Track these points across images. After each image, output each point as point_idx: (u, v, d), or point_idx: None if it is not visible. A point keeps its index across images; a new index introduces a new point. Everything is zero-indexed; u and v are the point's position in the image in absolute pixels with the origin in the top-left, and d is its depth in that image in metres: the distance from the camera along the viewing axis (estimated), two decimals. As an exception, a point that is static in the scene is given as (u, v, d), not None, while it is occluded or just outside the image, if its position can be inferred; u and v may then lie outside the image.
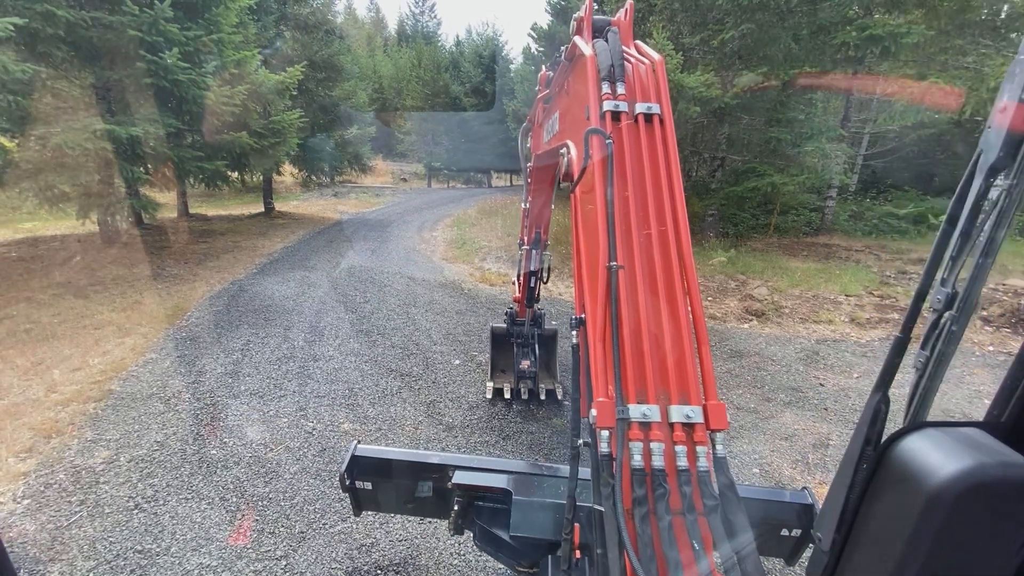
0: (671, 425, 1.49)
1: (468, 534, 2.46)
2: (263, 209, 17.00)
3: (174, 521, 3.58)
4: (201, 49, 9.96)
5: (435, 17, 54.15)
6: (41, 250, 10.59)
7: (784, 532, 2.30)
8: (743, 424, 5.18)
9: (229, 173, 12.47)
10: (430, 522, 3.61)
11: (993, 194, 0.71)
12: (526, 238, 4.88)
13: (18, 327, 6.74)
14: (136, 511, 3.66)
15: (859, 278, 10.51)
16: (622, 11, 2.21)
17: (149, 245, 11.29)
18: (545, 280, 4.92)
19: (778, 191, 13.16)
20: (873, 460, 0.71)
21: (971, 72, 12.09)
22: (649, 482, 1.41)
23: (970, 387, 6.12)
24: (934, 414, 0.78)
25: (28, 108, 8.02)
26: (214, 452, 4.35)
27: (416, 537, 3.52)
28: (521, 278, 5.16)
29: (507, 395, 5.30)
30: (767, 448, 4.78)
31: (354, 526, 3.57)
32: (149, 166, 10.11)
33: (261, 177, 16.34)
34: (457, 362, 6.29)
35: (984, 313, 8.49)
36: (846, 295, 9.53)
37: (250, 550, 3.36)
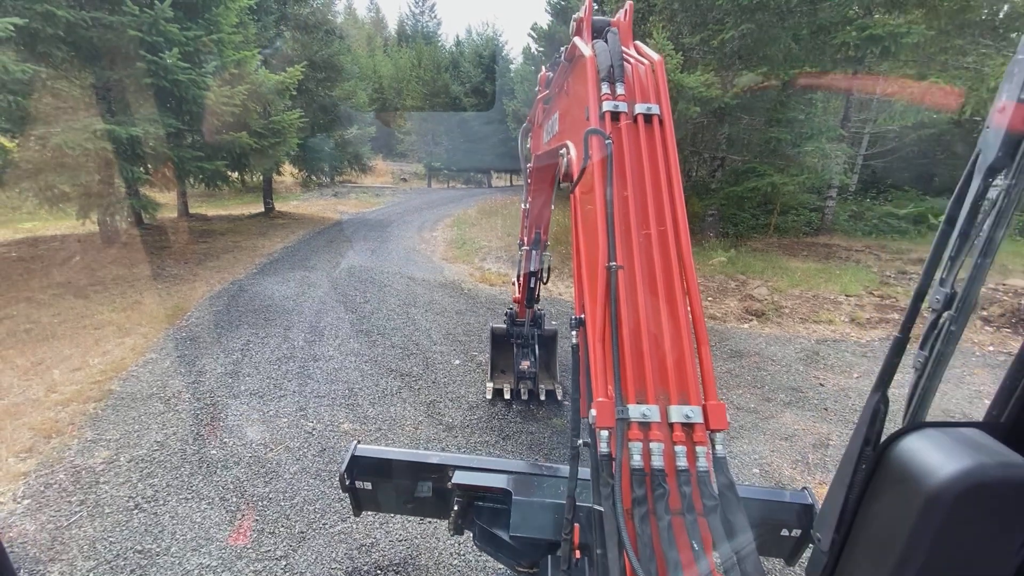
0: (671, 425, 1.49)
1: (468, 534, 2.46)
2: (263, 209, 17.00)
3: (174, 521, 3.58)
4: (201, 49, 9.96)
5: (435, 17, 54.21)
6: (41, 250, 10.59)
7: (784, 532, 2.30)
8: (743, 424, 5.18)
9: (229, 173, 12.48)
10: (430, 522, 3.61)
11: (992, 194, 0.71)
12: (526, 239, 4.88)
13: (18, 327, 6.74)
14: (136, 511, 3.66)
15: (859, 278, 10.50)
16: (622, 12, 2.21)
17: (149, 245, 11.30)
18: (545, 281, 4.92)
19: (778, 191, 13.16)
20: (872, 460, 0.71)
21: (971, 72, 12.09)
22: (648, 482, 1.41)
23: (970, 387, 6.12)
24: (934, 414, 0.78)
25: (28, 108, 8.02)
26: (214, 452, 4.35)
27: (416, 537, 3.52)
28: (521, 279, 5.16)
29: (507, 396, 5.30)
30: (767, 448, 4.78)
31: (354, 526, 3.57)
32: (149, 166, 10.11)
33: (261, 177, 16.34)
34: (457, 362, 6.29)
35: (984, 313, 8.49)
36: (846, 295, 9.53)
37: (250, 550, 3.36)
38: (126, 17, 8.57)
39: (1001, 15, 13.07)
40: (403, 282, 9.57)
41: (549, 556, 2.03)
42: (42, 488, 3.87)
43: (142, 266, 9.67)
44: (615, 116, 1.84)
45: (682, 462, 1.44)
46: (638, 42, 2.16)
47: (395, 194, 25.43)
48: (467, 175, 34.05)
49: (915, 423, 0.71)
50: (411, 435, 4.77)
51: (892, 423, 0.74)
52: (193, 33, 9.54)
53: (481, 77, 31.83)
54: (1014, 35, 12.59)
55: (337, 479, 2.60)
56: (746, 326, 8.10)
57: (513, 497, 2.15)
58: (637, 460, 1.42)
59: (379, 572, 3.24)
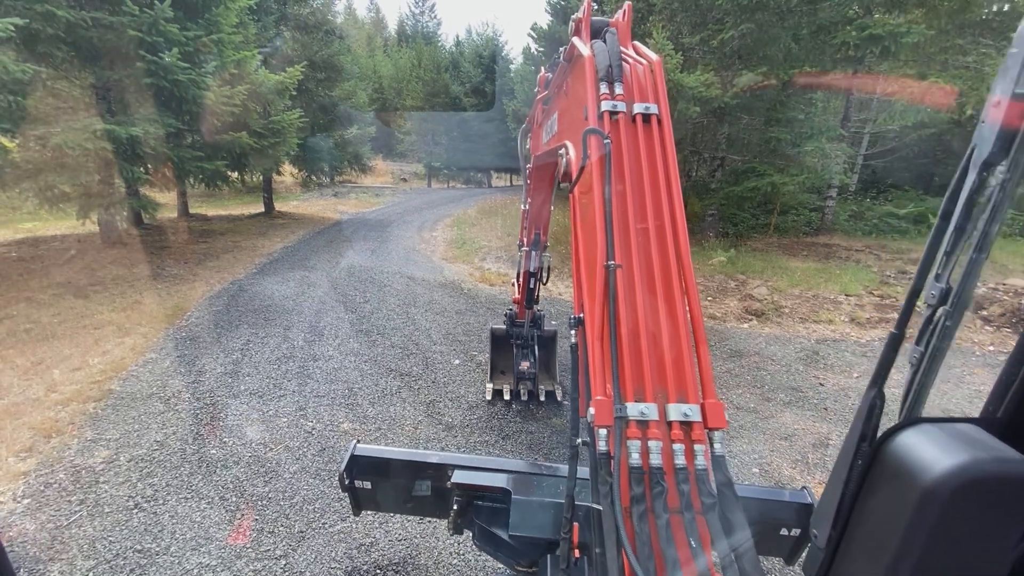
0: (669, 424, 1.50)
1: (467, 534, 2.46)
2: (263, 209, 17.01)
3: (174, 520, 3.58)
4: (201, 49, 9.97)
5: (435, 17, 54.27)
6: (41, 250, 10.60)
7: (783, 532, 2.30)
8: (743, 424, 5.18)
9: (229, 173, 12.48)
10: (429, 522, 3.62)
11: (987, 189, 0.71)
12: (525, 239, 4.89)
13: (18, 327, 6.75)
14: (136, 510, 3.66)
15: (859, 278, 10.50)
16: (620, 12, 2.22)
17: (149, 245, 11.30)
18: (544, 281, 4.93)
19: (778, 191, 13.15)
20: (868, 456, 0.71)
21: (971, 72, 12.08)
22: (647, 480, 1.41)
23: (970, 387, 6.12)
24: (933, 414, 0.78)
25: (28, 108, 8.02)
26: (214, 452, 4.36)
27: (415, 537, 3.52)
28: (520, 279, 5.16)
29: (507, 396, 5.30)
30: (767, 448, 4.78)
31: (353, 526, 3.58)
32: (149, 166, 10.12)
33: (261, 177, 16.34)
34: (457, 362, 6.29)
35: (984, 313, 8.49)
36: (846, 295, 9.53)
37: (249, 549, 3.36)
38: (126, 17, 8.58)
39: (996, 12, 13.06)
40: (403, 282, 9.58)
41: (548, 555, 2.03)
42: (42, 487, 3.87)
43: (142, 266, 9.67)
44: (614, 116, 1.85)
45: (680, 460, 1.44)
46: (637, 42, 2.16)
47: (395, 194, 25.44)
48: (467, 175, 34.08)
49: (911, 419, 0.71)
50: (411, 435, 4.77)
51: (889, 420, 0.74)
52: (193, 33, 9.55)
53: (481, 77, 31.85)
54: (1014, 34, 12.56)
55: (336, 479, 2.61)
56: (746, 326, 8.10)
57: (512, 496, 2.15)
58: (635, 458, 1.42)
59: (378, 572, 3.24)
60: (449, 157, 31.24)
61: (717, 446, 1.48)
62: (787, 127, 12.52)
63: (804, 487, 2.43)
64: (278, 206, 17.77)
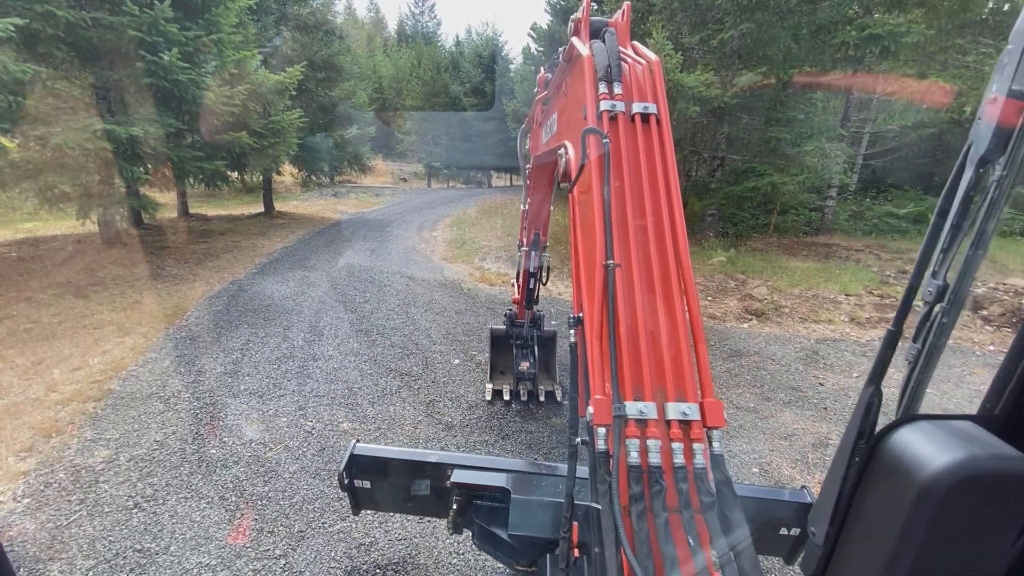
0: (668, 422, 1.50)
1: (467, 533, 2.46)
2: (263, 209, 17.01)
3: (173, 520, 3.58)
4: (201, 49, 9.96)
5: (435, 17, 54.23)
6: (41, 250, 10.60)
7: (783, 531, 2.30)
8: (742, 423, 5.18)
9: (229, 173, 12.48)
10: (429, 521, 3.62)
11: (983, 186, 0.72)
12: (525, 239, 4.89)
13: (18, 327, 6.75)
14: (135, 510, 3.67)
15: (859, 277, 10.50)
16: (619, 12, 2.22)
17: (149, 245, 11.30)
18: (544, 281, 4.93)
19: (778, 191, 13.15)
20: (866, 453, 0.72)
21: (971, 71, 12.09)
22: (646, 479, 1.41)
23: (970, 386, 6.12)
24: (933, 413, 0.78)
25: (28, 108, 8.02)
26: (213, 451, 4.36)
27: (415, 536, 3.52)
28: (520, 279, 5.16)
29: (506, 397, 5.30)
30: (766, 448, 4.78)
31: (353, 525, 3.58)
32: (149, 166, 10.11)
33: (261, 177, 16.34)
34: (456, 361, 6.29)
35: (984, 312, 8.49)
36: (846, 294, 9.53)
37: (249, 549, 3.36)
38: (126, 17, 8.58)
39: (996, 11, 13.06)
40: (403, 282, 9.58)
41: (548, 555, 2.03)
42: (42, 487, 3.87)
43: (142, 266, 9.68)
44: (612, 115, 1.85)
45: (679, 459, 1.44)
46: (635, 42, 2.16)
47: (395, 194, 25.44)
48: (467, 175, 34.07)
49: (908, 415, 0.71)
50: (410, 434, 4.77)
51: (887, 417, 0.74)
52: (193, 33, 9.54)
53: (481, 77, 31.84)
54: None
55: (336, 478, 2.61)
56: (746, 325, 8.10)
57: (512, 496, 2.15)
58: (634, 457, 1.42)
59: (378, 571, 3.24)
60: (449, 157, 31.23)
61: (716, 445, 1.48)
62: (787, 127, 12.52)
63: (804, 486, 2.43)
64: (278, 206, 17.77)
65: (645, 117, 1.87)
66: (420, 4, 53.17)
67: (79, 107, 8.82)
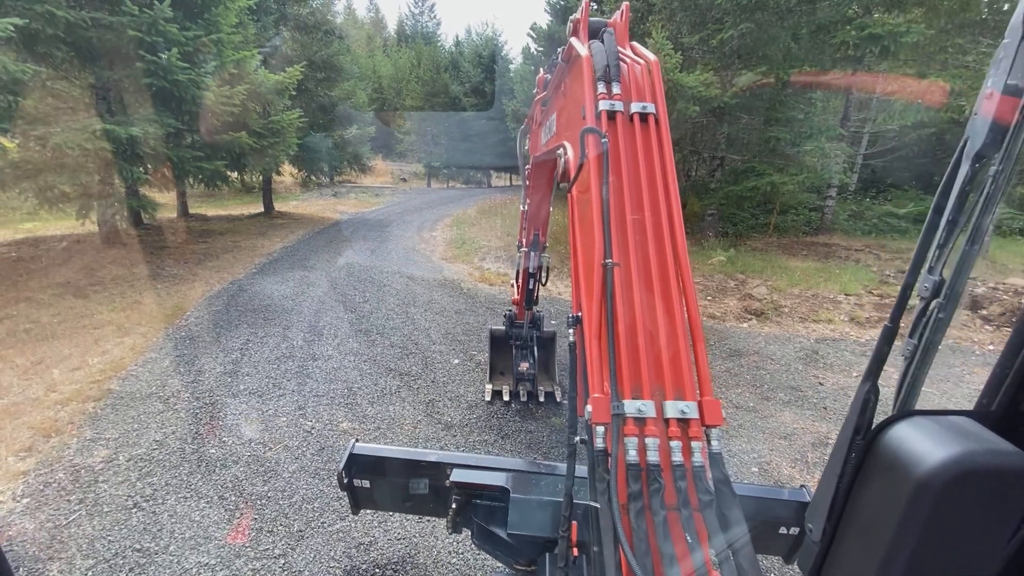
0: (666, 421, 1.50)
1: (466, 532, 2.46)
2: (262, 209, 17.00)
3: (173, 520, 3.58)
4: (200, 49, 9.96)
5: (434, 17, 54.22)
6: (41, 250, 10.60)
7: (782, 530, 2.30)
8: (742, 423, 5.18)
9: (228, 173, 12.47)
10: (428, 521, 3.62)
11: (979, 181, 0.72)
12: (524, 240, 4.89)
13: (18, 327, 6.75)
14: (135, 510, 3.66)
15: (859, 277, 10.51)
16: (618, 13, 2.22)
17: (148, 245, 11.30)
18: (544, 282, 4.93)
19: (778, 190, 13.16)
20: (862, 449, 0.72)
21: (971, 71, 12.09)
22: (644, 477, 1.41)
23: (970, 386, 6.12)
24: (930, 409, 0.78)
25: (28, 108, 8.02)
26: (213, 451, 4.36)
27: (414, 536, 3.52)
28: (520, 280, 5.16)
29: (506, 397, 5.30)
30: (766, 447, 4.78)
31: (352, 525, 3.58)
32: (148, 166, 10.11)
33: (260, 177, 16.34)
34: (456, 361, 6.29)
35: (984, 312, 8.49)
36: (846, 294, 9.54)
37: (248, 549, 3.36)
38: (125, 17, 8.58)
39: (996, 11, 13.06)
40: (402, 281, 9.58)
41: (547, 554, 2.04)
42: (41, 487, 3.87)
43: (141, 266, 9.68)
44: (611, 115, 1.85)
45: (677, 457, 1.44)
46: (634, 43, 2.17)
47: (394, 194, 25.44)
48: (467, 175, 34.06)
49: (905, 411, 0.71)
50: (410, 434, 4.77)
51: (884, 413, 0.74)
52: (192, 33, 9.54)
53: (480, 77, 31.84)
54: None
55: (335, 478, 2.61)
56: (745, 325, 8.11)
57: (511, 495, 2.15)
58: (633, 455, 1.42)
59: (377, 571, 3.24)
60: (449, 157, 31.23)
61: (714, 443, 1.48)
62: (787, 127, 12.52)
63: (803, 486, 2.43)
64: (277, 206, 17.77)
65: (644, 117, 1.87)
66: (420, 4, 53.19)
67: (79, 107, 8.82)
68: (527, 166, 4.34)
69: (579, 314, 1.72)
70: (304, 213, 17.81)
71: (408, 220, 16.89)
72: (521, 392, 5.30)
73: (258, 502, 3.78)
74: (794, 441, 4.89)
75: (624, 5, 2.26)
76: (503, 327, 5.49)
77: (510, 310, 5.50)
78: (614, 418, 1.44)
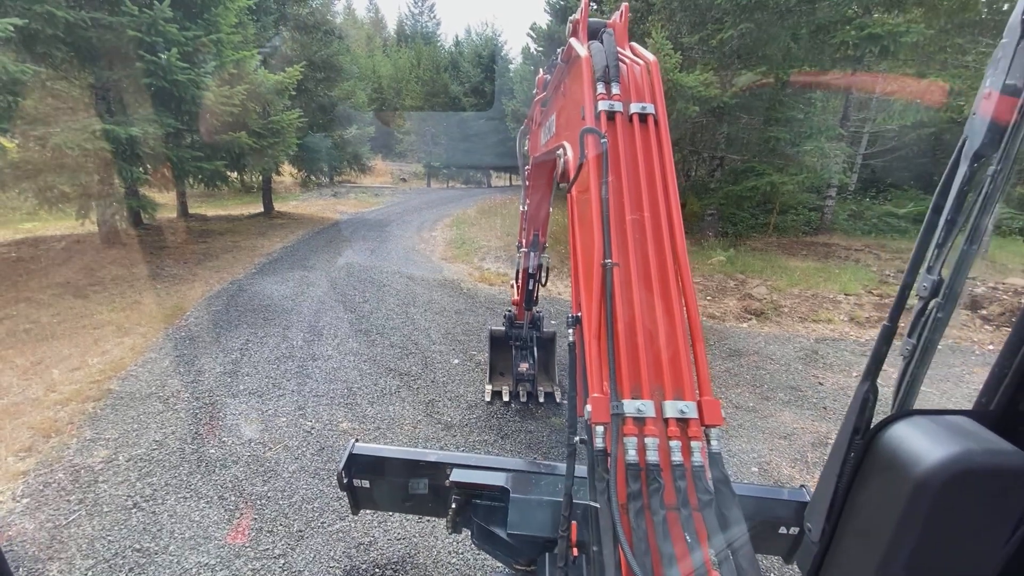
0: (665, 420, 1.50)
1: (466, 532, 2.46)
2: (262, 209, 17.00)
3: (172, 520, 3.58)
4: (200, 49, 9.96)
5: (434, 17, 54.16)
6: (40, 250, 10.59)
7: (782, 530, 2.31)
8: (741, 423, 5.18)
9: (228, 173, 12.47)
10: (428, 520, 3.62)
11: (978, 181, 0.72)
12: (524, 240, 4.89)
13: (18, 327, 6.74)
14: (135, 510, 3.66)
15: (858, 277, 10.51)
16: (617, 13, 2.23)
17: (148, 245, 11.30)
18: (544, 282, 4.93)
19: (777, 190, 13.17)
20: (861, 448, 0.72)
21: (970, 71, 12.10)
22: (644, 477, 1.41)
23: (970, 385, 6.12)
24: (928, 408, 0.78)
25: (28, 108, 8.02)
26: (213, 451, 4.36)
27: (414, 535, 3.52)
28: (519, 280, 5.16)
29: (506, 398, 5.30)
30: (766, 447, 4.78)
31: (352, 525, 3.58)
32: (148, 166, 10.10)
33: (260, 177, 16.34)
34: (456, 361, 6.29)
35: (984, 312, 8.50)
36: (845, 294, 9.54)
37: (248, 549, 3.36)
38: (125, 17, 8.57)
39: (995, 11, 13.07)
40: (402, 281, 9.58)
41: (547, 553, 2.04)
42: (41, 487, 3.87)
43: (141, 266, 9.67)
44: (611, 116, 1.85)
45: (677, 457, 1.44)
46: (634, 43, 2.17)
47: (394, 194, 25.43)
48: (466, 175, 34.05)
49: (903, 411, 0.71)
50: (410, 434, 4.77)
51: (883, 412, 0.74)
52: (192, 33, 9.54)
53: (480, 77, 31.83)
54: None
55: (335, 477, 2.61)
56: (745, 325, 8.11)
57: (511, 495, 2.15)
58: (632, 455, 1.42)
59: (377, 571, 3.24)
60: (448, 157, 31.21)
61: (714, 443, 1.48)
62: (786, 126, 12.53)
63: (802, 485, 2.44)
64: (277, 206, 17.77)
65: (643, 117, 1.87)
66: (419, 4, 53.17)
67: (78, 107, 8.82)
68: (527, 166, 4.34)
69: (579, 314, 1.72)
70: (304, 213, 17.80)
71: (408, 220, 16.89)
72: (521, 393, 5.29)
73: (258, 502, 3.78)
74: (794, 441, 4.89)
75: (623, 6, 2.26)
76: (503, 327, 5.49)
77: (510, 310, 5.50)
78: (613, 418, 1.44)
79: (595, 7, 14.15)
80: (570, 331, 1.72)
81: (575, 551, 1.79)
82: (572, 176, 1.94)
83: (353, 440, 2.64)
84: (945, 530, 0.62)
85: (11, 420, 4.69)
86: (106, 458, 4.22)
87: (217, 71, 10.32)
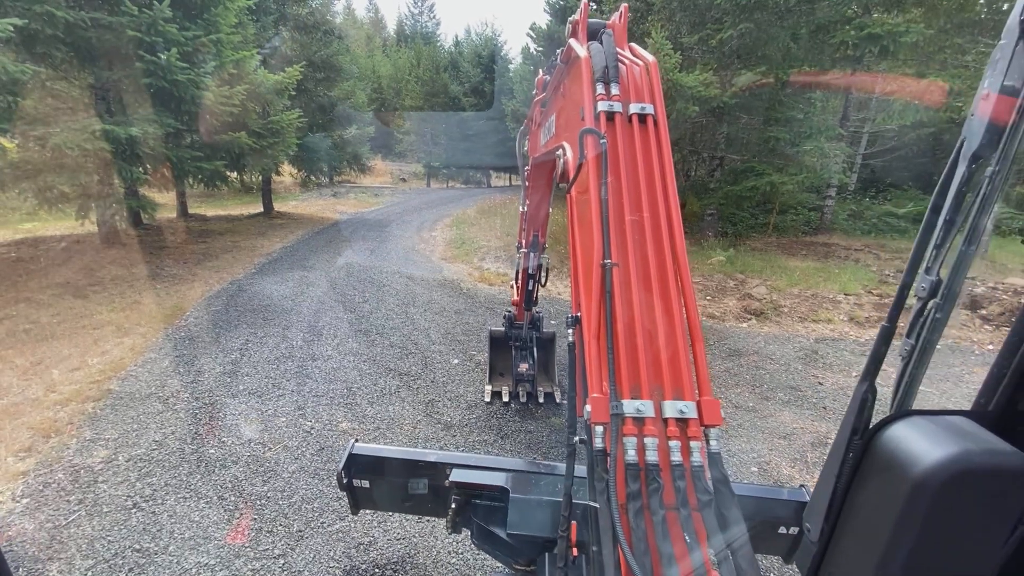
0: (665, 421, 1.50)
1: (465, 532, 2.47)
2: (262, 209, 16.99)
3: (172, 520, 3.58)
4: (200, 49, 9.96)
5: (434, 17, 54.16)
6: (40, 250, 10.59)
7: (782, 530, 2.31)
8: (741, 423, 5.18)
9: (228, 173, 12.47)
10: (428, 521, 3.62)
11: (976, 182, 0.72)
12: (524, 241, 4.89)
13: (17, 327, 6.74)
14: (134, 510, 3.66)
15: (858, 277, 10.51)
16: (616, 14, 2.23)
17: (148, 245, 11.29)
18: (543, 283, 4.93)
19: (777, 190, 13.17)
20: (860, 449, 0.72)
21: (970, 71, 12.11)
22: (643, 477, 1.41)
23: (969, 385, 6.13)
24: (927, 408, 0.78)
25: (27, 109, 8.01)
26: (212, 451, 4.36)
27: (414, 536, 3.52)
28: (519, 281, 5.17)
29: (505, 398, 5.30)
30: (765, 447, 4.78)
31: (352, 525, 3.58)
32: (148, 166, 10.10)
33: (260, 177, 16.33)
34: (456, 361, 6.29)
35: (983, 311, 8.50)
36: (845, 294, 9.54)
37: (248, 549, 3.36)
38: (125, 17, 8.57)
39: (995, 11, 13.08)
40: (402, 281, 9.58)
41: (546, 553, 2.04)
42: (41, 487, 3.87)
43: (141, 266, 9.67)
44: (610, 116, 1.86)
45: (676, 457, 1.44)
46: (633, 44, 2.17)
47: (394, 194, 25.43)
48: (466, 175, 34.05)
49: (902, 411, 0.71)
50: (410, 434, 4.77)
51: (882, 413, 0.74)
52: (192, 33, 9.54)
53: (480, 77, 31.83)
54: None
55: (335, 478, 2.61)
56: (745, 325, 8.11)
57: (510, 495, 2.15)
58: (631, 455, 1.42)
59: (377, 571, 3.24)
60: (448, 157, 31.21)
61: (713, 443, 1.48)
62: (786, 126, 12.53)
63: (802, 485, 2.44)
64: (277, 206, 17.76)
65: (642, 118, 1.88)
66: (419, 4, 53.16)
67: (78, 107, 8.81)
68: (526, 167, 4.34)
69: (578, 314, 1.72)
70: (303, 213, 17.80)
71: (407, 220, 16.89)
72: (520, 393, 5.29)
73: (257, 502, 3.78)
74: (793, 441, 4.90)
75: (623, 7, 2.27)
76: (503, 328, 5.49)
77: (509, 311, 5.50)
78: (613, 418, 1.44)
79: (594, 7, 14.15)
80: (570, 331, 1.72)
81: (575, 551, 1.79)
82: (571, 177, 1.94)
83: (353, 440, 2.64)
84: (943, 530, 0.62)
85: (11, 420, 4.69)
86: (106, 458, 4.22)
87: (217, 71, 10.32)
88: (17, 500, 3.74)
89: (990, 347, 7.38)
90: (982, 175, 0.71)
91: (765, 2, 10.32)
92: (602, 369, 1.53)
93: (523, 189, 4.65)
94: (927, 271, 0.76)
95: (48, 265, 9.52)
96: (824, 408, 5.54)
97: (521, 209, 4.77)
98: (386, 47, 48.14)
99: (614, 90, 1.89)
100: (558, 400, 5.30)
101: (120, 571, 3.16)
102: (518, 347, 5.30)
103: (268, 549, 3.36)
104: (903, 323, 0.82)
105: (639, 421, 1.48)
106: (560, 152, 2.18)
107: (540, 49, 20.72)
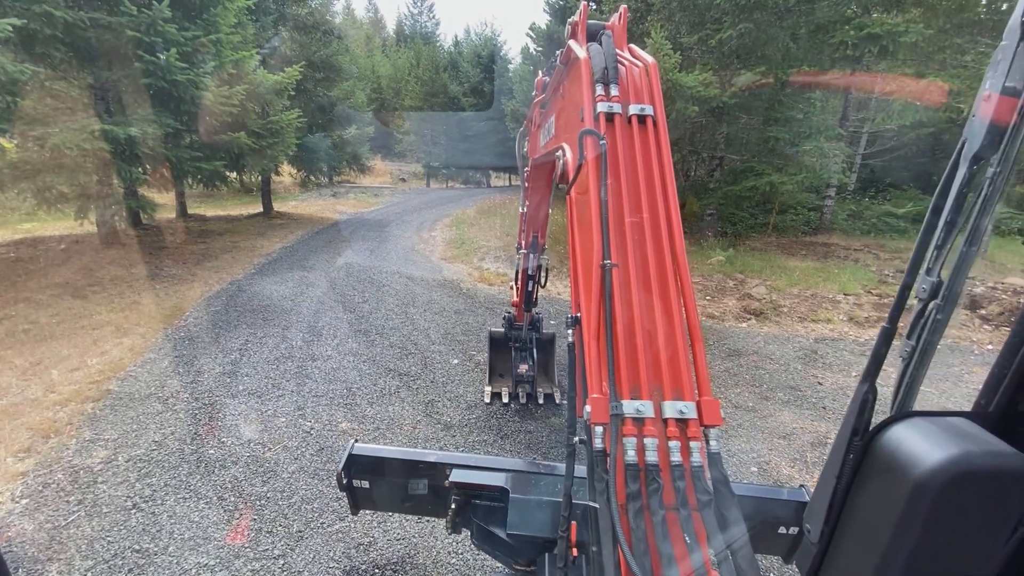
0: (665, 421, 1.50)
1: (465, 533, 2.46)
2: (261, 209, 16.99)
3: (172, 520, 3.58)
4: (199, 49, 9.95)
5: (433, 17, 54.18)
6: (39, 251, 10.58)
7: (781, 530, 2.31)
8: (741, 423, 5.18)
9: (227, 173, 12.45)
10: (427, 521, 3.62)
11: (977, 182, 0.72)
12: (523, 242, 4.89)
13: (17, 327, 6.74)
14: (134, 510, 3.66)
15: (858, 277, 10.52)
16: (616, 15, 2.23)
17: (147, 245, 11.28)
18: (543, 284, 4.93)
19: (776, 190, 13.17)
20: (860, 450, 0.72)
21: (970, 71, 12.11)
22: (643, 477, 1.41)
23: (969, 385, 6.13)
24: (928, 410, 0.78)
25: (26, 109, 8.01)
26: (212, 452, 4.35)
27: (414, 536, 3.52)
28: (519, 282, 5.17)
29: (505, 399, 5.30)
30: (765, 447, 4.78)
31: (352, 525, 3.58)
32: (147, 166, 10.09)
33: (259, 177, 16.32)
34: (455, 361, 6.29)
35: (983, 311, 8.51)
36: (845, 294, 9.55)
37: (248, 549, 3.36)
38: (124, 17, 8.57)
39: (994, 11, 13.09)
40: (402, 282, 9.57)
41: (546, 554, 2.04)
42: (40, 488, 3.87)
43: (140, 266, 9.66)
44: (609, 117, 1.86)
45: (676, 457, 1.45)
46: (632, 45, 2.18)
47: (394, 194, 25.43)
48: (466, 175, 34.06)
49: (902, 412, 0.71)
50: (409, 434, 4.77)
51: (883, 414, 0.74)
52: (191, 33, 9.54)
53: (480, 77, 31.82)
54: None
55: (335, 478, 2.61)
56: (744, 325, 8.11)
57: (510, 495, 2.15)
58: (631, 456, 1.42)
59: (377, 571, 3.24)
60: (448, 157, 31.21)
61: (713, 443, 1.48)
62: (785, 126, 12.53)
63: (802, 485, 2.44)
64: (276, 206, 17.76)
65: (642, 119, 1.88)
66: (419, 4, 53.17)
67: (77, 107, 8.81)
68: (526, 168, 4.34)
69: (578, 315, 1.72)
70: (303, 213, 17.79)
71: (407, 220, 16.89)
72: (520, 394, 5.29)
73: (257, 503, 3.78)
74: (793, 441, 4.90)
75: (622, 8, 2.27)
76: (502, 329, 5.49)
77: (509, 312, 5.50)
78: (613, 418, 1.44)
79: (594, 7, 14.16)
80: (569, 332, 1.72)
81: (575, 551, 1.79)
82: (571, 177, 1.94)
83: (352, 440, 2.64)
84: (944, 532, 0.62)
85: (10, 421, 4.68)
86: (105, 459, 4.22)
87: (216, 71, 10.31)
88: (16, 501, 3.74)
89: (989, 347, 7.39)
90: (983, 176, 0.71)
91: (765, 2, 10.32)
92: (602, 369, 1.53)
93: (523, 190, 4.65)
94: (928, 272, 0.76)
95: (47, 265, 9.51)
96: (824, 408, 5.54)
97: (521, 210, 4.77)
98: (386, 47, 48.13)
99: (613, 91, 1.89)
100: (558, 401, 5.30)
101: (120, 571, 3.16)
102: (518, 348, 5.30)
103: (268, 549, 3.36)
104: (904, 324, 0.82)
105: (639, 421, 1.48)
106: (560, 153, 2.18)
107: (540, 49, 20.72)
